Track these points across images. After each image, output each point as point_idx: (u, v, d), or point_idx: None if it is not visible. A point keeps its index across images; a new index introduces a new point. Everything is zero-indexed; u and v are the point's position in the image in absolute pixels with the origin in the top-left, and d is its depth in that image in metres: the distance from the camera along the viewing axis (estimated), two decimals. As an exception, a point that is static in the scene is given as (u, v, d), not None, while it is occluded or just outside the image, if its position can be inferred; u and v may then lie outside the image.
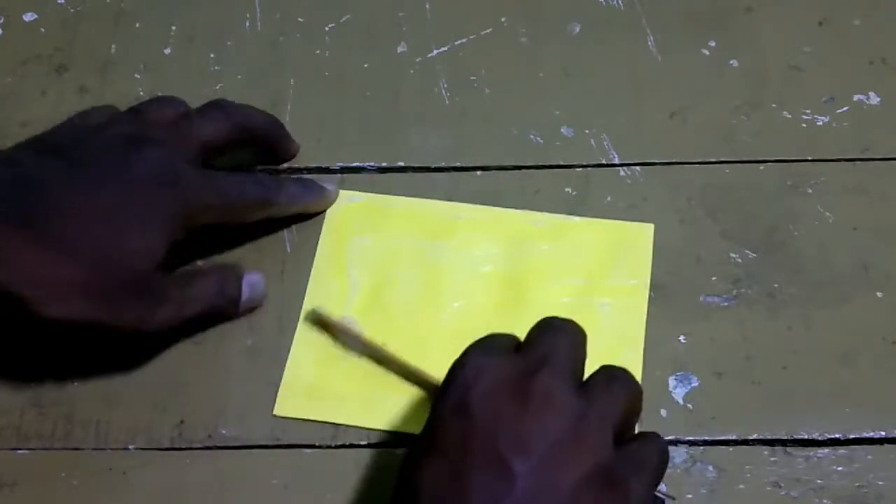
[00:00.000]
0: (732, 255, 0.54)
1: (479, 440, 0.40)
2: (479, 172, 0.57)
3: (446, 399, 0.42)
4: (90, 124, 0.52)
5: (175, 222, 0.50)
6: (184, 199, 0.50)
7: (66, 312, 0.47)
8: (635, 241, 0.55)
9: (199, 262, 0.55)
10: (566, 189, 0.57)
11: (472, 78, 0.61)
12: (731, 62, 0.61)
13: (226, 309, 0.53)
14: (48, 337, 0.50)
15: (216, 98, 0.55)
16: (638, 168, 0.57)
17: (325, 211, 0.56)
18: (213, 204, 0.51)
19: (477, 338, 0.45)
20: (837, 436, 0.49)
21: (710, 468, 0.49)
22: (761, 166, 0.57)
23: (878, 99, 0.59)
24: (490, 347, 0.44)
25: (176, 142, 0.51)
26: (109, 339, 0.50)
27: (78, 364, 0.52)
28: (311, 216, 0.56)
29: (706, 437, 0.49)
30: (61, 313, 0.47)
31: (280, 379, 0.51)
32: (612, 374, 0.44)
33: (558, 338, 0.44)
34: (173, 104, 0.54)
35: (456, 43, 0.62)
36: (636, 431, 0.45)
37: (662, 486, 0.45)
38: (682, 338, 0.52)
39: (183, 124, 0.53)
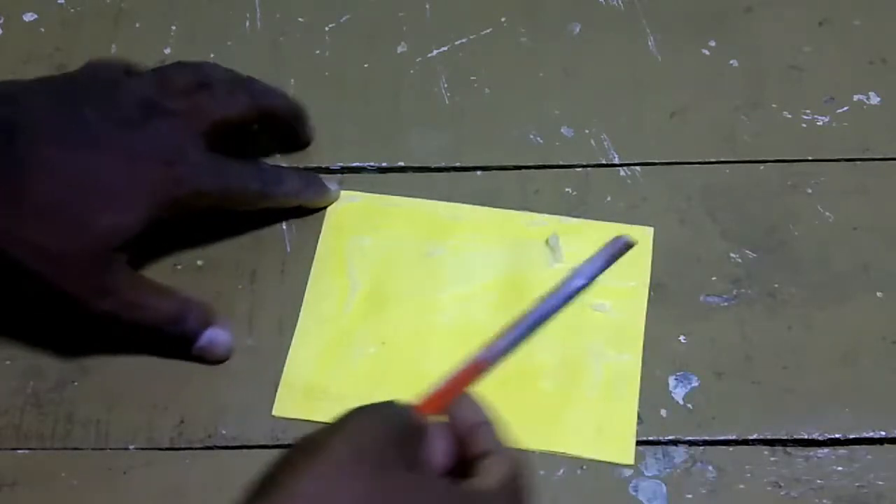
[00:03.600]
0: (732, 255, 0.54)
1: None
2: (479, 172, 0.57)
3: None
4: (110, 76, 0.51)
5: (162, 203, 0.49)
6: (179, 181, 0.50)
7: (22, 258, 0.47)
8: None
9: (200, 262, 0.55)
10: (566, 189, 0.57)
11: (472, 78, 0.61)
12: (731, 62, 0.61)
13: (173, 339, 0.51)
14: (11, 277, 0.49)
15: (247, 75, 0.55)
16: (638, 168, 0.57)
17: (324, 207, 0.56)
18: (209, 191, 0.51)
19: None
20: (837, 436, 0.49)
21: (710, 468, 0.49)
22: (761, 166, 0.57)
23: (878, 99, 0.59)
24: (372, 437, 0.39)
25: (190, 114, 0.51)
26: (56, 301, 0.49)
27: (78, 364, 0.52)
28: (309, 212, 0.56)
29: (706, 437, 0.49)
30: (18, 256, 0.47)
31: (280, 379, 0.51)
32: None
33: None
34: (199, 71, 0.53)
35: (456, 43, 0.62)
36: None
37: None
38: (682, 338, 0.52)
39: (202, 96, 0.52)
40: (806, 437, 0.49)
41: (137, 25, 0.64)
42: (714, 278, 0.54)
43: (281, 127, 0.57)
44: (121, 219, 0.48)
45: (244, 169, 0.53)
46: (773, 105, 0.59)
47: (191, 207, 0.51)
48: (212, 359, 0.52)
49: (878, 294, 0.53)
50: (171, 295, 0.51)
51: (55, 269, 0.48)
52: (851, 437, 0.49)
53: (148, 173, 0.49)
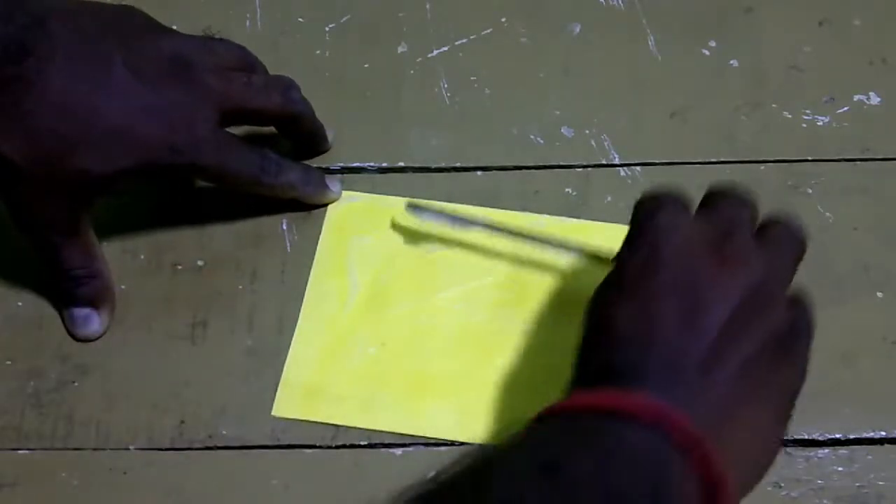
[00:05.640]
0: (732, 255, 0.54)
1: (678, 289, 0.41)
2: (479, 173, 0.57)
3: (637, 252, 0.43)
4: (158, 25, 0.52)
5: (151, 166, 0.50)
6: (177, 150, 0.50)
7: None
8: (635, 241, 0.54)
9: (200, 262, 0.55)
10: (566, 189, 0.56)
11: (472, 78, 0.61)
12: (731, 62, 0.61)
13: (59, 286, 0.53)
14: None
15: (289, 78, 0.56)
16: (638, 168, 0.57)
17: (322, 204, 0.56)
18: (204, 167, 0.52)
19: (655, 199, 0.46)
20: (837, 436, 0.49)
21: (710, 468, 0.49)
22: (761, 166, 0.57)
23: (878, 99, 0.59)
24: (676, 206, 0.45)
25: (218, 90, 0.52)
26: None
27: (78, 364, 0.52)
28: (309, 210, 0.56)
29: (706, 438, 0.49)
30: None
31: (280, 379, 0.51)
32: (785, 232, 0.45)
33: (742, 204, 0.45)
34: (247, 55, 0.55)
35: (456, 43, 0.62)
36: None
37: None
38: (682, 338, 0.52)
39: (239, 78, 0.53)
40: (806, 437, 0.49)
41: (137, 25, 0.64)
42: (714, 278, 0.53)
43: (299, 140, 0.57)
44: (99, 165, 0.49)
45: (246, 153, 0.53)
46: (773, 105, 0.59)
47: (184, 178, 0.52)
48: (75, 332, 0.53)
49: (878, 294, 0.53)
50: (90, 262, 0.53)
51: (24, 186, 0.49)
52: (851, 437, 0.49)
53: (147, 131, 0.50)
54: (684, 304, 0.41)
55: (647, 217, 0.45)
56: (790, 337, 0.43)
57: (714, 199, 0.46)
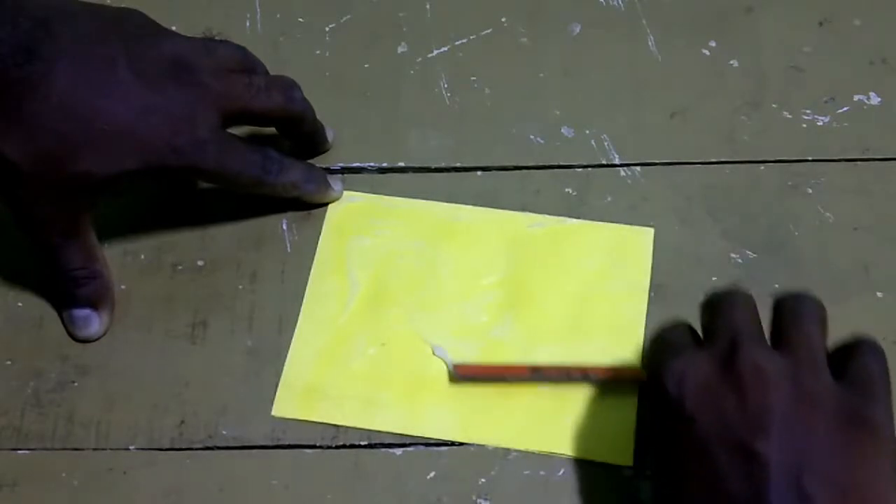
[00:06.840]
0: (732, 255, 0.54)
1: (715, 442, 0.40)
2: (479, 173, 0.57)
3: (666, 416, 0.43)
4: (158, 27, 0.52)
5: (151, 168, 0.50)
6: (178, 151, 0.50)
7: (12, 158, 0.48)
8: (635, 244, 0.54)
9: (200, 262, 0.55)
10: (566, 189, 0.57)
11: (472, 78, 0.61)
12: (731, 62, 0.61)
13: (59, 286, 0.53)
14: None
15: (289, 78, 0.55)
16: (638, 168, 0.57)
17: (325, 203, 0.56)
18: (205, 169, 0.52)
19: (659, 335, 0.45)
20: (837, 436, 0.49)
21: (710, 468, 0.49)
22: (761, 166, 0.57)
23: (879, 99, 0.59)
24: (676, 347, 0.44)
25: (219, 92, 0.52)
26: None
27: (78, 364, 0.52)
28: (310, 210, 0.56)
29: (706, 438, 0.49)
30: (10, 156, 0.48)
31: (280, 379, 0.51)
32: (794, 311, 0.44)
33: (734, 311, 0.44)
34: (247, 56, 0.54)
35: (456, 43, 0.62)
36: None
37: None
38: (682, 338, 0.52)
39: (240, 79, 0.53)
40: (806, 437, 0.49)
41: (137, 25, 0.64)
42: (714, 278, 0.53)
43: (298, 137, 0.57)
44: (101, 167, 0.49)
45: (248, 154, 0.53)
46: (773, 105, 0.59)
47: (185, 179, 0.53)
48: (74, 331, 0.53)
49: (878, 294, 0.53)
50: (91, 263, 0.52)
51: (26, 187, 0.49)
52: (851, 437, 0.49)
53: (149, 133, 0.50)
54: (732, 449, 0.40)
55: (656, 373, 0.44)
56: (855, 403, 0.41)
57: (709, 311, 0.45)
